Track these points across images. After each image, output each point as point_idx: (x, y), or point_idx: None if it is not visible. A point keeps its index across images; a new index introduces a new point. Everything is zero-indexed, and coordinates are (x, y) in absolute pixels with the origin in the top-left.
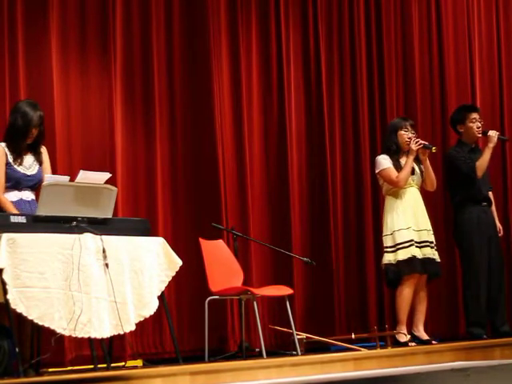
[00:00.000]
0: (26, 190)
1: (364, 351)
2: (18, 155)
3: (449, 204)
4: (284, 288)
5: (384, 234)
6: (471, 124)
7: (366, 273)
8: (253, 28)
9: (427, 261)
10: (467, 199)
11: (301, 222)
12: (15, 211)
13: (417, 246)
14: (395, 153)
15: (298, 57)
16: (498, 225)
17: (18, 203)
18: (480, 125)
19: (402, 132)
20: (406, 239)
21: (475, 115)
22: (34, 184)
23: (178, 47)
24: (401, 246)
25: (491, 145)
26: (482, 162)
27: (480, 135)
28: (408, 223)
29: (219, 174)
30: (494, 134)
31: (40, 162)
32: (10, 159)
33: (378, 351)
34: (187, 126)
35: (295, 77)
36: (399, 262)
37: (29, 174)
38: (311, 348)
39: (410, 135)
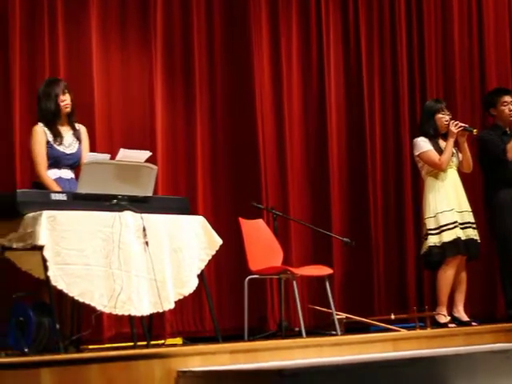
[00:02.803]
0: (65, 168)
1: (403, 332)
2: (58, 134)
3: None
4: (323, 268)
5: (426, 217)
6: (503, 107)
7: (405, 253)
8: (293, 6)
9: (469, 242)
10: (499, 181)
11: (340, 202)
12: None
13: (460, 228)
14: (434, 136)
15: (337, 35)
16: None
17: (57, 181)
18: None
19: (440, 115)
20: (451, 221)
21: (507, 98)
22: (74, 162)
23: (219, 23)
24: (445, 227)
25: None
26: None
27: None
28: (451, 205)
29: (259, 153)
30: None
31: (79, 139)
32: (50, 138)
33: (418, 332)
34: (227, 105)
35: (335, 56)
36: (444, 244)
37: (68, 152)
38: (350, 328)
39: (447, 117)
